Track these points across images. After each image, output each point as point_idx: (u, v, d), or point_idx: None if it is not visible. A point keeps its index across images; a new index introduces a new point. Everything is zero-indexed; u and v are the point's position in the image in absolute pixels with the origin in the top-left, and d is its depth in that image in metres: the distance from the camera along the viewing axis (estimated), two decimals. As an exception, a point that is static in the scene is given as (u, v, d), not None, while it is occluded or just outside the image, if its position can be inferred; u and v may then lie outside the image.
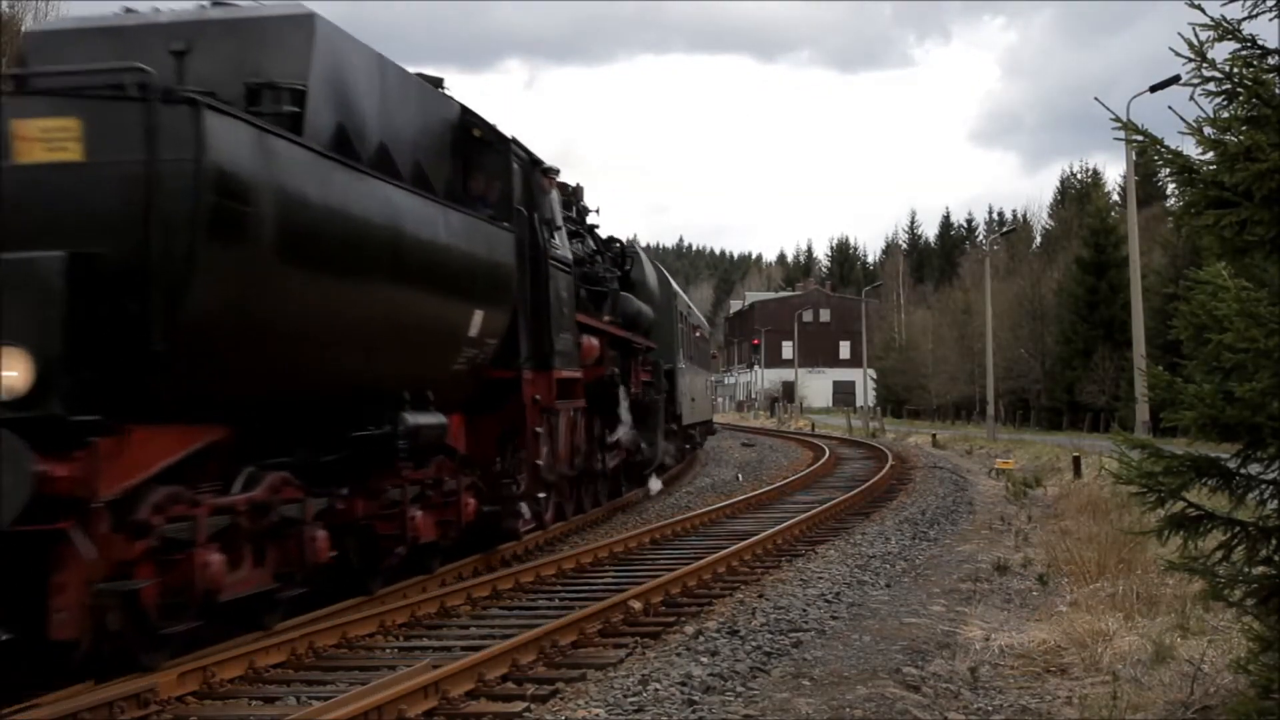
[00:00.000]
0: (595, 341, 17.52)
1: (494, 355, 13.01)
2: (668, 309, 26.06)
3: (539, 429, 14.27)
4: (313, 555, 9.70)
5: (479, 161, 13.43)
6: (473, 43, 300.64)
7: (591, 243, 20.20)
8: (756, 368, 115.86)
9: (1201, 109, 5.92)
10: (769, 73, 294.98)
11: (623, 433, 19.68)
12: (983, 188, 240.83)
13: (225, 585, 8.53)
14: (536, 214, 14.43)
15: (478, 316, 12.26)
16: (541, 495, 14.55)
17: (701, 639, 9.20)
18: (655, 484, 22.81)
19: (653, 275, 24.99)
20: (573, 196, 19.67)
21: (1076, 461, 24.95)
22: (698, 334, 34.39)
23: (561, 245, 15.85)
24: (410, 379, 11.16)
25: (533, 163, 14.77)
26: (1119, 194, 63.57)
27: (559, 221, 15.84)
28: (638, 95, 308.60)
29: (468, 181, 13.23)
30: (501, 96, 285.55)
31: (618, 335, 19.48)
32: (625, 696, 7.56)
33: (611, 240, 22.20)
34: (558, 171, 16.09)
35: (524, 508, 13.96)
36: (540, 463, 14.33)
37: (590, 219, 21.25)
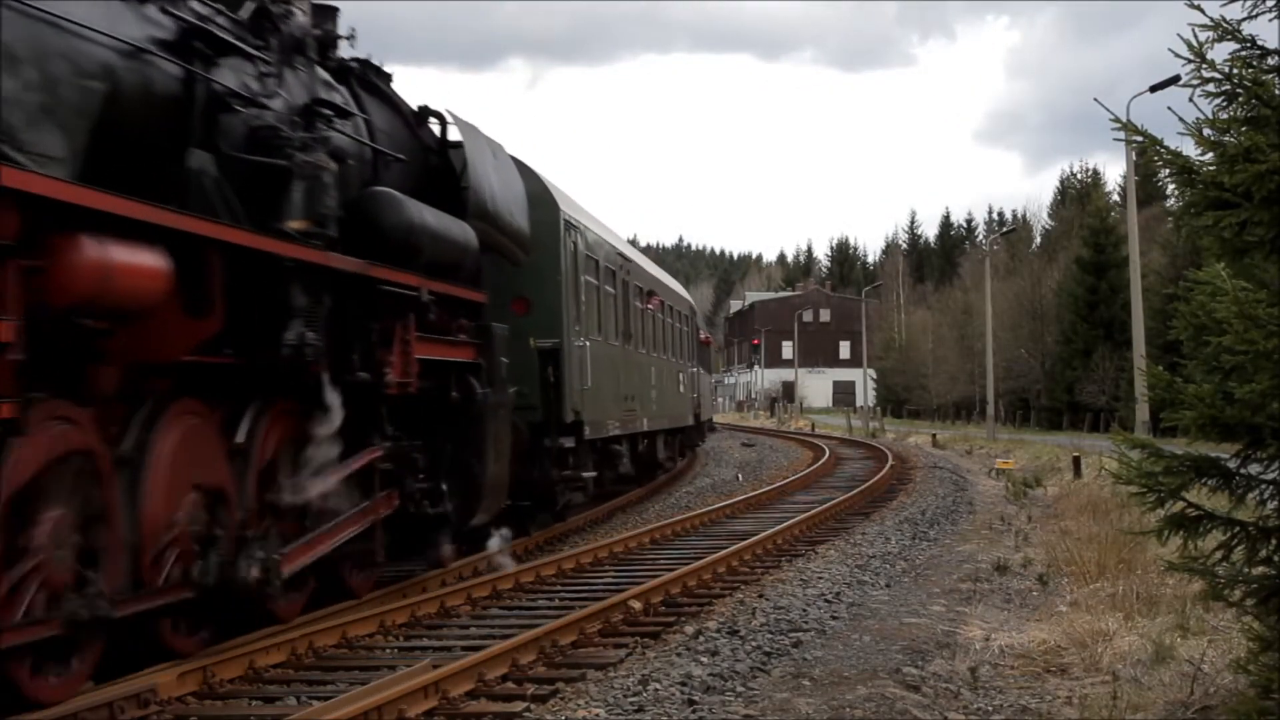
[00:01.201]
0: (157, 261, 7.40)
1: None
2: (550, 247, 16.00)
3: None
4: None
5: None
6: (475, 42, 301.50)
7: (322, 92, 10.37)
8: (756, 368, 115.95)
9: (1201, 110, 5.94)
10: (771, 72, 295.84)
11: (326, 471, 9.69)
12: (984, 188, 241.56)
13: None
14: None
15: None
16: None
17: (701, 639, 9.20)
18: (446, 548, 12.17)
19: (504, 185, 13.81)
20: None
21: (1076, 461, 24.96)
22: (649, 305, 23.39)
23: None
24: None
25: None
26: (1119, 194, 63.63)
27: None
28: (640, 95, 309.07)
29: None
30: (504, 96, 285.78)
31: (315, 263, 9.20)
32: (625, 696, 7.55)
33: (424, 113, 12.82)
34: None
35: None
36: None
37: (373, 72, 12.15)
